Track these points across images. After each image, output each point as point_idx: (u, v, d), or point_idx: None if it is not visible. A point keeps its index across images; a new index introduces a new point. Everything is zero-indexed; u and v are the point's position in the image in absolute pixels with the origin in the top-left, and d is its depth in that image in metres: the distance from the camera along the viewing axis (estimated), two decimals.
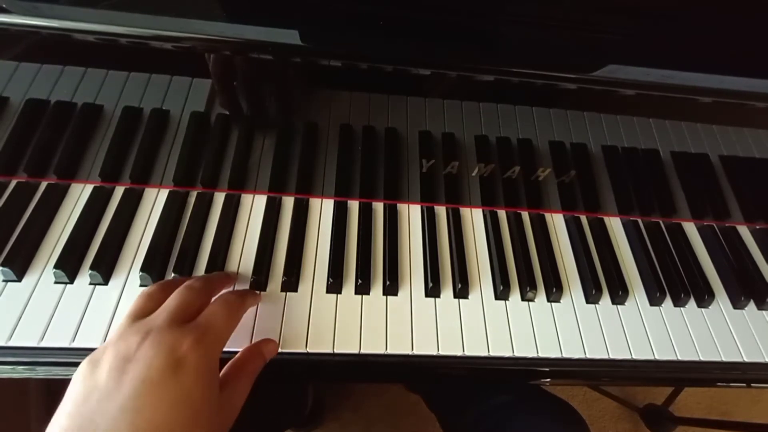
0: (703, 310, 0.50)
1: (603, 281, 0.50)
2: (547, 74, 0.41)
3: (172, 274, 0.44)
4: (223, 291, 0.40)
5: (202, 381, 0.30)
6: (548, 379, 0.47)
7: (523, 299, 0.48)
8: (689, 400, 1.21)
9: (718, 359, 0.47)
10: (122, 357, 0.29)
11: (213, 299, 0.37)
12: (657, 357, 0.46)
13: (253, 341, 0.41)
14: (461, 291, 0.47)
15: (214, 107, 0.46)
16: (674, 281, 0.51)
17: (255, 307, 0.43)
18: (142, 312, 0.33)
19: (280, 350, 0.41)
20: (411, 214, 0.52)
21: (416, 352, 0.43)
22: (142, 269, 0.43)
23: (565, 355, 0.44)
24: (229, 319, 0.35)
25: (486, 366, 0.45)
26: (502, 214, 0.54)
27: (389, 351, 0.42)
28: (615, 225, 0.56)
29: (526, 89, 0.43)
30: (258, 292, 0.44)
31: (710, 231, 0.57)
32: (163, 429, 0.28)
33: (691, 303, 0.50)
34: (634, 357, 0.45)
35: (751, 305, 0.51)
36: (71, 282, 0.43)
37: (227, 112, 0.47)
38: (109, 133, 0.47)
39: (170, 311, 0.33)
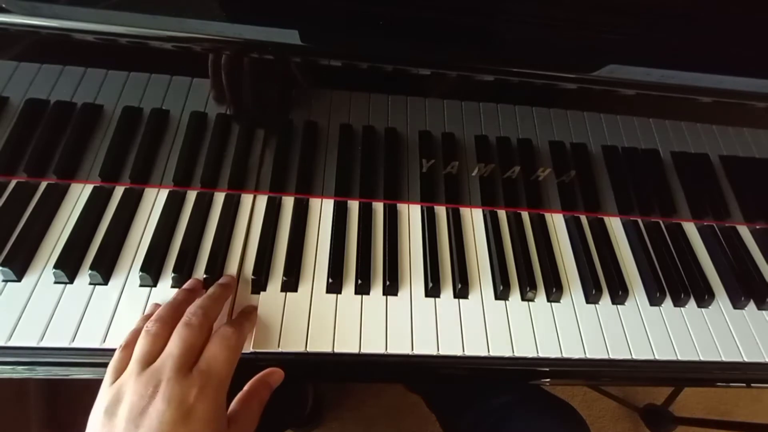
0: (703, 310, 0.50)
1: (603, 281, 0.50)
2: (547, 74, 0.41)
3: (172, 275, 0.44)
4: (224, 323, 0.40)
5: (210, 426, 0.32)
6: (548, 379, 0.47)
7: (523, 299, 0.48)
8: (689, 400, 1.21)
9: (718, 359, 0.47)
10: (136, 411, 0.31)
11: (212, 336, 0.37)
12: (657, 357, 0.46)
13: (253, 341, 0.41)
14: (461, 291, 0.47)
15: (214, 107, 0.46)
16: (674, 281, 0.51)
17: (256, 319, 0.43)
18: (149, 356, 0.34)
19: (280, 350, 0.41)
20: (411, 214, 0.52)
21: (416, 352, 0.43)
22: (142, 269, 0.43)
23: (565, 355, 0.44)
24: (230, 358, 0.36)
25: (486, 366, 0.45)
26: (502, 214, 0.54)
27: (389, 351, 0.42)
28: (615, 225, 0.56)
29: (526, 89, 0.43)
30: (255, 307, 0.43)
31: (710, 231, 0.57)
32: None
33: (691, 303, 0.50)
34: (634, 357, 0.45)
35: (751, 305, 0.51)
36: (71, 282, 0.43)
37: (227, 112, 0.47)
38: (108, 133, 0.47)
39: (174, 360, 0.33)
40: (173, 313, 0.37)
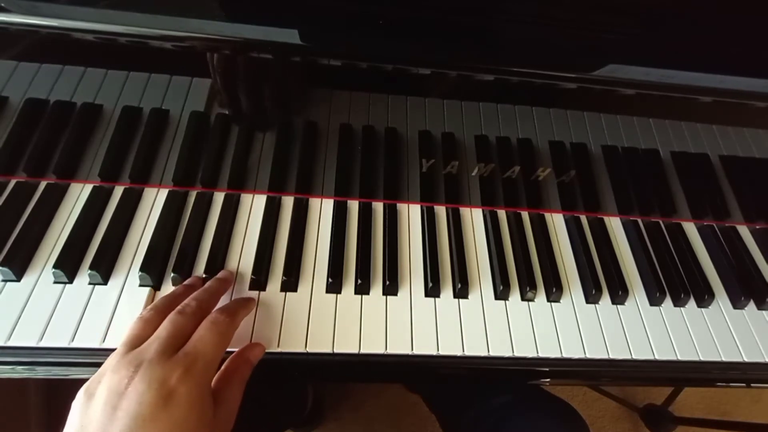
0: (703, 310, 0.50)
1: (603, 281, 0.50)
2: (547, 74, 0.41)
3: (172, 275, 0.43)
4: (215, 308, 0.39)
5: (194, 410, 0.31)
6: (548, 379, 0.47)
7: (522, 299, 0.48)
8: (689, 400, 1.21)
9: (718, 359, 0.46)
10: (115, 392, 0.30)
11: (203, 321, 0.36)
12: (657, 357, 0.46)
13: (252, 341, 0.41)
14: (461, 291, 0.47)
15: (214, 107, 0.46)
16: (674, 281, 0.51)
17: (254, 308, 0.43)
18: (137, 339, 0.33)
19: (280, 350, 0.41)
20: (411, 214, 0.52)
21: (416, 352, 0.43)
22: (142, 269, 0.43)
23: (565, 355, 0.44)
24: (219, 343, 0.35)
25: (486, 366, 0.45)
26: (502, 214, 0.54)
27: (389, 351, 0.42)
28: (615, 225, 0.56)
29: (526, 89, 0.43)
30: (252, 297, 0.43)
31: (710, 231, 0.57)
32: None
33: (691, 303, 0.50)
34: (634, 357, 0.45)
35: (751, 305, 0.51)
36: (70, 282, 0.43)
37: (227, 112, 0.47)
38: (108, 133, 0.47)
39: (161, 341, 0.33)
40: (169, 304, 0.37)
